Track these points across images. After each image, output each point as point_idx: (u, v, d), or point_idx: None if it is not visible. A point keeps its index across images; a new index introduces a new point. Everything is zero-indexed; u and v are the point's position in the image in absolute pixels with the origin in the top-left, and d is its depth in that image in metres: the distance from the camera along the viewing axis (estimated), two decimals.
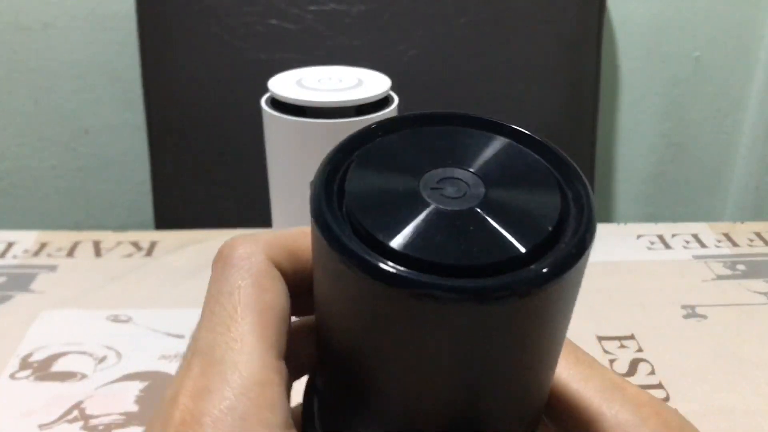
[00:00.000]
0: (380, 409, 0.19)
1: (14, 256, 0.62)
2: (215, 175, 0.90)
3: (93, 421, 0.45)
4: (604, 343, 0.52)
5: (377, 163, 0.18)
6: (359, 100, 0.45)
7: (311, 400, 0.23)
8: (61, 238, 0.65)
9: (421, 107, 0.91)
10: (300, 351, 0.23)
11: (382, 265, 0.15)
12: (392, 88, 0.48)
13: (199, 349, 0.20)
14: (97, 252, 0.63)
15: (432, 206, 0.17)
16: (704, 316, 0.55)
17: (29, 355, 0.50)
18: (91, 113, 1.00)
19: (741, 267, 0.61)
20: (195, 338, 0.20)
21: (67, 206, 1.06)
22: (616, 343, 0.52)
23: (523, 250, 0.16)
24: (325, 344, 0.21)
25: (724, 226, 0.68)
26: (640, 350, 0.51)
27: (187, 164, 0.90)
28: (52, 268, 0.60)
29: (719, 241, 0.65)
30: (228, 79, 0.88)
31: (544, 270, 0.16)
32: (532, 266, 0.16)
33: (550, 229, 0.16)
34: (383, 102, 0.47)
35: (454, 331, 0.16)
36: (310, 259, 0.22)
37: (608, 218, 1.12)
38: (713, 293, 0.58)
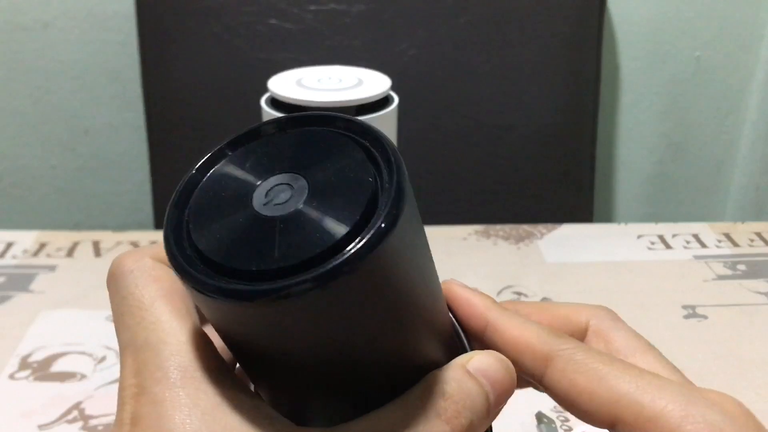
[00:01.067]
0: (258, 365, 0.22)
1: (14, 256, 0.62)
2: None
3: (93, 422, 0.45)
4: None
5: (217, 187, 0.21)
6: (359, 100, 0.45)
7: None
8: (61, 238, 0.65)
9: (421, 107, 0.90)
10: None
11: (205, 279, 0.18)
12: (392, 88, 0.48)
13: (124, 345, 0.22)
14: (97, 252, 0.63)
15: (259, 216, 0.19)
16: (704, 316, 0.55)
17: (29, 355, 0.50)
18: (91, 113, 1.00)
19: (741, 267, 0.61)
20: (118, 342, 0.22)
21: (67, 206, 1.06)
22: None
23: (320, 248, 0.18)
24: None
25: (725, 226, 0.68)
26: None
27: (187, 164, 0.90)
28: (52, 268, 0.60)
29: (720, 241, 0.65)
30: (228, 79, 0.88)
31: (337, 262, 0.17)
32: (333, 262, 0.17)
33: (338, 237, 0.18)
34: (383, 102, 0.47)
35: (293, 321, 0.19)
36: None
37: (609, 218, 1.12)
38: (713, 293, 0.58)
